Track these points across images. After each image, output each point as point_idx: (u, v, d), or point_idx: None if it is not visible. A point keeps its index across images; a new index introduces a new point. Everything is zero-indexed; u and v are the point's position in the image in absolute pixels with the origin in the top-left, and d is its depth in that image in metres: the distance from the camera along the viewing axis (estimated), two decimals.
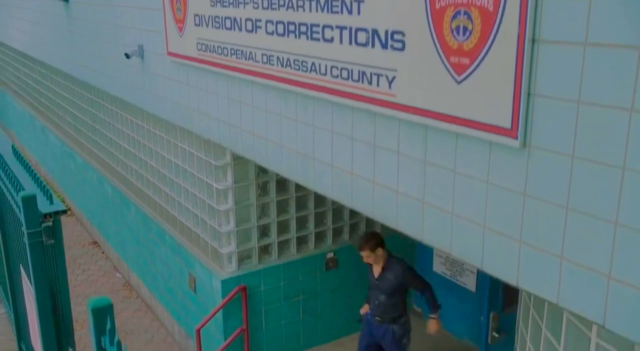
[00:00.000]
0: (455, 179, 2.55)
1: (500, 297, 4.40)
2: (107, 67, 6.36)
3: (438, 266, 5.95)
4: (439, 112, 2.51)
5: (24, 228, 4.14)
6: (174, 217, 5.97)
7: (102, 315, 2.62)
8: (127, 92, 6.03)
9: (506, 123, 2.23)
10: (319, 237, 5.60)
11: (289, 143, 3.60)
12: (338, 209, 5.66)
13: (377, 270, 4.66)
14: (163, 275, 6.37)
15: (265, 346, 5.45)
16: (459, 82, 2.39)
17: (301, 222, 5.46)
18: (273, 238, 5.32)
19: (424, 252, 6.07)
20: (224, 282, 5.06)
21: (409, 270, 4.65)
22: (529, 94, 2.15)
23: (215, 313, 5.06)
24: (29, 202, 4.09)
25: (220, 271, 5.17)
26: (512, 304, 4.36)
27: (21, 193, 4.06)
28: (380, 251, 4.57)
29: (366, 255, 4.57)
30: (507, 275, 2.39)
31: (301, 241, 5.50)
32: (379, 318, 4.71)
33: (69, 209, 10.24)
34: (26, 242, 4.14)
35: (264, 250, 5.33)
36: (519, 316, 3.30)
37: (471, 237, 2.53)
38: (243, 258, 5.22)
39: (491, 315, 4.32)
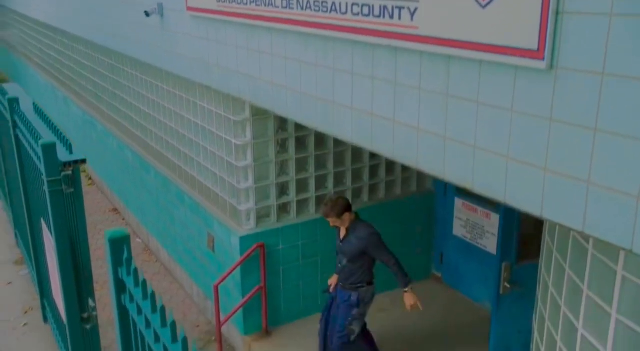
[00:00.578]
0: (478, 110, 2.48)
1: (514, 248, 4.31)
2: (127, 30, 6.35)
3: (458, 230, 5.88)
4: (463, 41, 2.44)
5: (44, 177, 4.17)
6: (193, 177, 5.97)
7: (119, 244, 2.62)
8: (147, 53, 6.01)
9: (533, 44, 2.15)
10: None
11: (309, 89, 3.54)
12: (357, 170, 5.61)
13: (342, 234, 4.56)
14: (182, 237, 6.39)
15: (282, 305, 5.46)
16: (483, 6, 2.32)
17: (320, 181, 5.42)
18: (292, 196, 5.29)
19: (444, 215, 6.01)
20: (243, 239, 5.06)
21: (373, 234, 4.46)
22: (557, 12, 2.06)
23: (234, 269, 5.06)
24: (49, 150, 4.11)
25: (239, 229, 5.16)
26: (527, 258, 4.29)
27: (41, 141, 4.08)
28: (347, 216, 4.44)
29: (332, 221, 4.46)
30: (531, 205, 2.33)
31: (320, 201, 5.46)
32: (341, 284, 4.58)
33: (90, 178, 10.33)
34: (46, 190, 4.17)
35: (283, 208, 5.31)
36: (541, 263, 3.24)
37: (494, 170, 2.46)
38: (262, 216, 5.20)
39: (503, 265, 4.24)
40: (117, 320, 2.72)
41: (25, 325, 6.06)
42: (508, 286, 4.25)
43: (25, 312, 6.28)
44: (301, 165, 5.29)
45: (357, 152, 5.55)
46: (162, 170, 6.66)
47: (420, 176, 6.05)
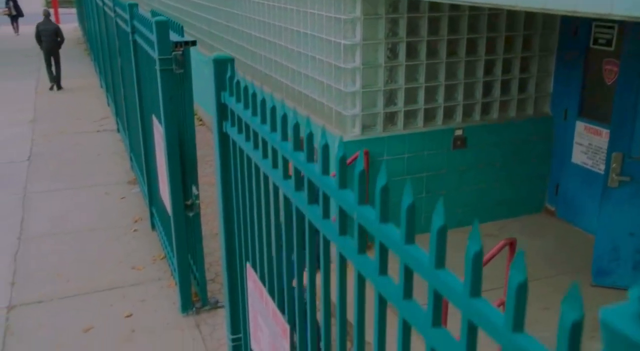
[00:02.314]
0: None
1: (630, 135, 3.82)
2: None
3: (578, 156, 5.42)
4: None
5: (156, 56, 4.24)
6: (300, 92, 5.91)
7: (223, 66, 2.55)
8: None
9: None
10: (448, 112, 5.29)
11: None
12: (470, 84, 5.30)
13: None
14: None
15: None
16: None
17: (430, 93, 5.17)
18: (400, 106, 5.08)
19: (562, 141, 5.56)
20: (347, 144, 4.92)
21: None
22: None
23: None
24: (161, 28, 4.17)
25: (343, 135, 5.03)
26: None
27: (155, 19, 4.14)
28: None
29: None
30: None
31: (429, 114, 5.22)
32: None
33: (201, 120, 10.63)
34: (157, 70, 4.24)
35: (389, 119, 5.12)
36: None
37: None
38: (367, 125, 5.04)
39: (613, 155, 3.77)
40: (218, 150, 2.67)
41: (135, 231, 6.31)
42: (616, 178, 3.78)
43: (135, 221, 6.54)
44: (411, 74, 5.06)
45: (470, 65, 5.25)
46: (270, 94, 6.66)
47: (538, 99, 5.63)
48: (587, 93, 5.29)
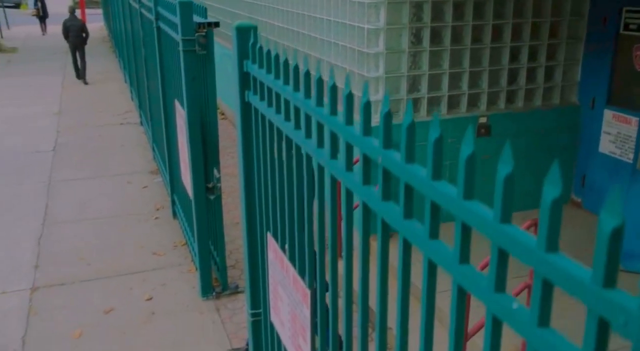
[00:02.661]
0: None
1: None
2: None
3: (605, 146, 5.30)
4: None
5: (179, 36, 4.24)
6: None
7: (246, 34, 2.53)
8: None
9: None
10: (472, 99, 5.22)
11: None
12: (495, 71, 5.22)
13: None
14: None
15: None
16: None
17: (454, 80, 5.10)
18: (423, 92, 5.03)
19: (589, 130, 5.45)
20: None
21: None
22: None
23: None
24: (185, 8, 4.17)
25: None
26: None
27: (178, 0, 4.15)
28: None
29: None
30: None
31: (453, 101, 5.16)
32: None
33: (223, 113, 10.67)
34: (180, 51, 4.24)
35: (413, 105, 5.06)
36: None
37: None
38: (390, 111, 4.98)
39: None
40: (240, 120, 2.65)
41: (156, 218, 6.34)
42: None
43: (157, 209, 6.56)
44: (435, 60, 5.00)
45: (495, 52, 5.17)
46: None
47: (565, 88, 5.53)
48: (616, 80, 5.18)
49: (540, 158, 5.53)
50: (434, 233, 1.26)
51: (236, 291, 4.88)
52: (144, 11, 6.89)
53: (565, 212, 5.70)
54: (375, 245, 1.55)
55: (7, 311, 4.69)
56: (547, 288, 0.92)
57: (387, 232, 1.49)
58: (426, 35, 4.90)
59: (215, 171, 4.59)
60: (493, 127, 5.29)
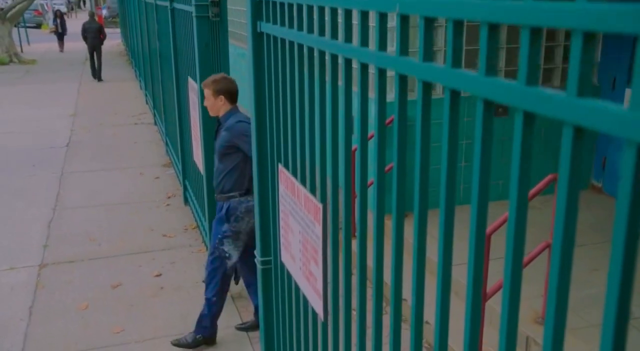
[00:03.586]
0: None
1: None
2: None
3: None
4: None
5: (192, 5, 4.22)
6: None
7: None
8: None
9: None
10: None
11: None
12: (511, 49, 5.14)
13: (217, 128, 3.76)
14: None
15: None
16: None
17: (470, 57, 5.02)
18: None
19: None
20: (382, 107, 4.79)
21: (243, 122, 3.57)
22: None
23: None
24: None
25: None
26: None
27: None
28: (222, 100, 3.62)
29: (206, 97, 3.65)
30: None
31: None
32: (217, 195, 3.76)
33: None
34: (194, 16, 4.21)
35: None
36: None
37: None
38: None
39: None
40: (252, 51, 2.58)
41: (167, 205, 6.27)
42: None
43: (169, 197, 6.50)
44: None
45: (513, 30, 5.10)
46: None
47: None
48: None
49: (558, 141, 5.40)
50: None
51: None
52: (159, 2, 6.92)
53: (585, 196, 5.58)
54: (390, 224, 1.48)
55: (14, 285, 4.62)
56: None
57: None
58: None
59: None
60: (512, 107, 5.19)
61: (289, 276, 2.54)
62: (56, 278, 4.71)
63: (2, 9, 18.62)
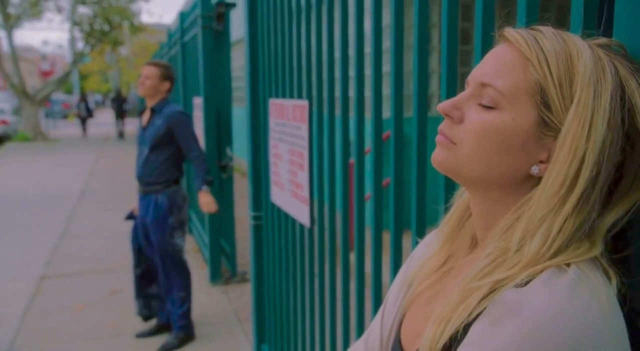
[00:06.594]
0: None
1: None
2: None
3: None
4: None
5: (198, 11, 4.51)
6: None
7: None
8: None
9: None
10: None
11: None
12: None
13: (146, 117, 3.63)
14: None
15: None
16: None
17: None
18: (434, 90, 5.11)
19: None
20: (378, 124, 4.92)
21: (183, 113, 3.59)
22: None
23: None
24: None
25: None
26: None
27: None
28: (166, 86, 3.56)
29: (150, 76, 3.49)
30: None
31: None
32: (142, 188, 3.61)
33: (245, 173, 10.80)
34: (199, 26, 4.48)
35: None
36: None
37: None
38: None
39: None
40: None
41: None
42: None
43: None
44: None
45: None
46: None
47: None
48: None
49: None
50: None
51: (244, 278, 4.74)
52: (172, 51, 7.30)
53: None
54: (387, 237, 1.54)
55: (14, 291, 4.62)
56: None
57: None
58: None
59: (228, 150, 4.64)
60: None
61: (279, 228, 2.56)
62: (56, 286, 4.70)
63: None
